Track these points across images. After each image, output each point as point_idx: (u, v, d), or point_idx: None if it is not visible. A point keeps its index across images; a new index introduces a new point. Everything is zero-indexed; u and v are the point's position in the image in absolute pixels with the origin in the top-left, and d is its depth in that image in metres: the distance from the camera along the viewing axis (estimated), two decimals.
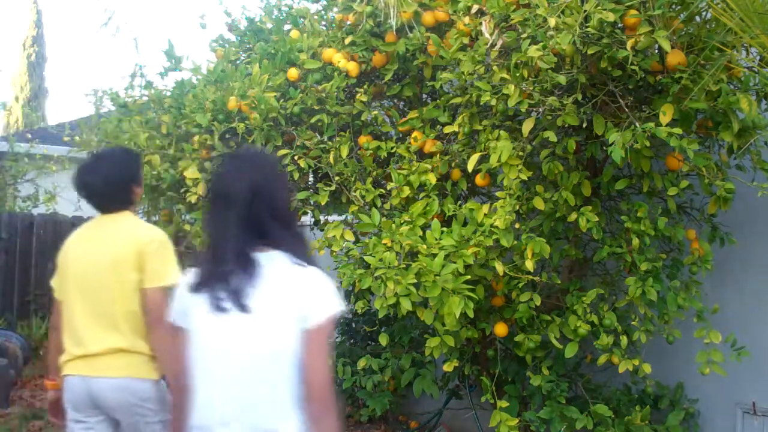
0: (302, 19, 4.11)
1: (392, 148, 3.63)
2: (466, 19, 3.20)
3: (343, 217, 4.04)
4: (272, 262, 1.78)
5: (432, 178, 3.44)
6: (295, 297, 1.74)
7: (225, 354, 1.75)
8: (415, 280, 3.04)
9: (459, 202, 3.54)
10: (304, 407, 1.72)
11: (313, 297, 1.76)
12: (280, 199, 1.85)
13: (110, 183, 2.57)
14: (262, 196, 1.80)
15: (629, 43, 2.69)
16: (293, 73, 3.74)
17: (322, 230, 3.86)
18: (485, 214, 3.20)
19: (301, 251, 1.82)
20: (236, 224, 1.77)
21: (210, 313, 1.76)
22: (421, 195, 3.45)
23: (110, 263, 2.51)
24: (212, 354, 1.77)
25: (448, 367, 3.45)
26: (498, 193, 3.24)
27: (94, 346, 2.50)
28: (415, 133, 3.64)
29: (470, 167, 3.25)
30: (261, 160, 1.92)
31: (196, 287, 1.79)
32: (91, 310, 2.52)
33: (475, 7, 3.17)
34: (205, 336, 1.78)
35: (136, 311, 2.50)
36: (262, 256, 1.78)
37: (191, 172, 3.80)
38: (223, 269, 1.75)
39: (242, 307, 1.72)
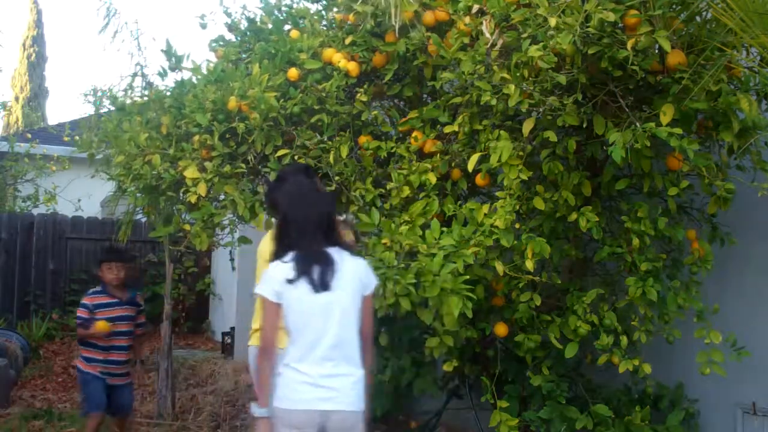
0: (302, 19, 4.11)
1: (392, 147, 3.63)
2: (467, 19, 3.20)
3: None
4: (339, 255, 2.73)
5: (432, 178, 3.44)
6: (358, 276, 2.75)
7: (327, 312, 2.67)
8: (415, 280, 3.04)
9: (459, 201, 3.54)
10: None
11: (367, 276, 2.80)
12: (334, 213, 2.86)
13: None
14: (331, 212, 2.82)
15: (629, 43, 2.69)
16: (293, 73, 3.74)
17: None
18: (485, 214, 3.20)
19: (347, 248, 2.81)
20: (317, 232, 2.72)
21: (310, 291, 2.67)
22: (421, 195, 3.45)
23: None
24: (317, 314, 2.66)
25: (447, 367, 3.46)
26: (498, 193, 3.24)
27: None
28: (415, 133, 3.64)
29: (470, 167, 3.25)
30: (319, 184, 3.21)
31: (293, 278, 2.67)
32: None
33: (476, 7, 3.17)
34: (309, 305, 2.67)
35: None
36: (332, 251, 2.72)
37: (191, 172, 3.80)
38: (312, 263, 2.69)
39: (327, 287, 2.67)
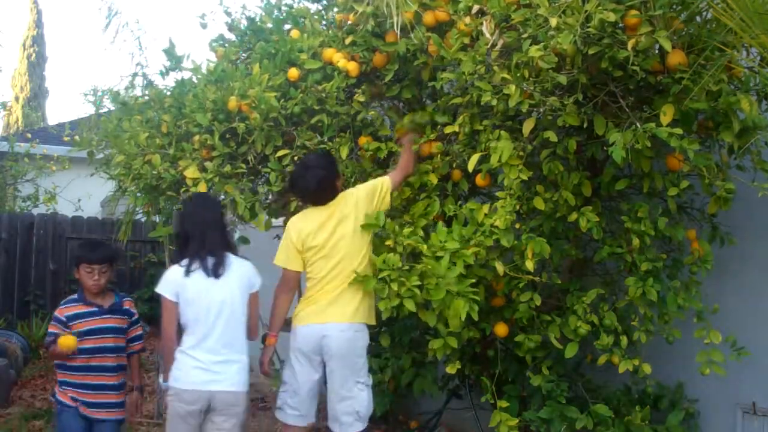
0: (302, 19, 4.11)
1: (392, 147, 3.63)
2: (467, 19, 3.20)
3: None
4: (229, 257, 3.35)
5: (433, 179, 3.44)
6: (247, 276, 3.36)
7: (219, 308, 3.26)
8: (419, 282, 3.04)
9: (459, 202, 3.54)
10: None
11: (254, 276, 3.40)
12: (224, 218, 3.54)
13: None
14: (227, 224, 3.55)
15: (630, 44, 2.69)
16: (293, 73, 3.74)
17: None
18: (486, 214, 3.21)
19: (236, 253, 3.46)
20: (217, 237, 3.35)
21: (204, 278, 3.26)
22: (422, 195, 3.45)
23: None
24: (210, 309, 3.25)
25: (450, 369, 3.45)
26: (498, 193, 3.24)
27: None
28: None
29: (471, 167, 3.25)
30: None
31: (192, 269, 3.28)
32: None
33: (476, 7, 3.17)
34: (204, 300, 3.25)
35: None
36: (224, 252, 3.35)
37: (191, 172, 3.80)
38: (207, 256, 3.30)
39: (218, 275, 3.27)
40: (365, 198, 3.46)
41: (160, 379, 3.57)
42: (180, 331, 3.32)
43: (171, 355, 3.29)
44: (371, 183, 3.53)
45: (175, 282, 3.27)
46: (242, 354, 3.31)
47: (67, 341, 3.42)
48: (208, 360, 3.22)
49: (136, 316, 3.78)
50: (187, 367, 3.23)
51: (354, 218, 3.40)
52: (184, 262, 3.28)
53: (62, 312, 3.61)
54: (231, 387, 3.24)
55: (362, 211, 3.41)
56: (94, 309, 3.59)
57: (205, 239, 3.30)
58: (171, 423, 3.27)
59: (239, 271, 3.33)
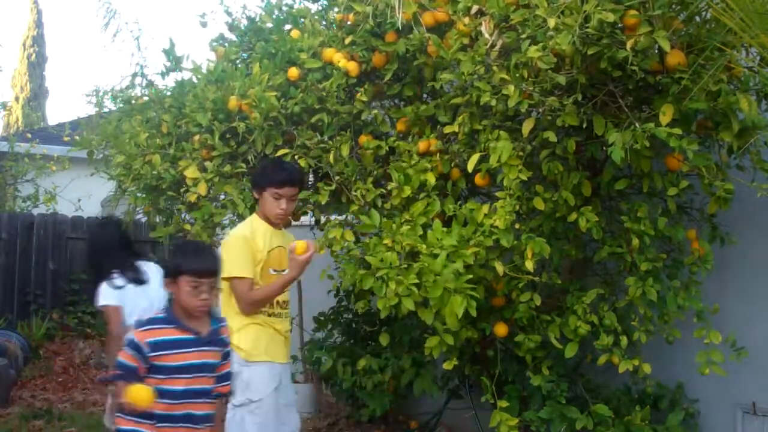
0: (302, 19, 4.11)
1: (393, 141, 3.63)
2: (466, 20, 3.20)
3: (344, 216, 4.04)
4: (147, 264, 3.75)
5: (432, 178, 3.44)
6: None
7: (149, 306, 3.44)
8: (417, 280, 3.04)
9: (459, 202, 3.54)
10: None
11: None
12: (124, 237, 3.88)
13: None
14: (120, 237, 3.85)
15: (629, 44, 2.69)
16: (294, 72, 3.74)
17: (322, 230, 3.86)
18: (485, 214, 3.20)
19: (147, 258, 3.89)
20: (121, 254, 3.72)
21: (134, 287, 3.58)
22: (422, 195, 3.45)
23: None
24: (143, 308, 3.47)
25: (448, 366, 3.45)
26: (498, 193, 3.24)
27: None
28: (414, 129, 3.65)
29: (470, 167, 3.25)
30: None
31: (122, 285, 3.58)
32: None
33: (475, 8, 3.17)
34: (136, 302, 3.57)
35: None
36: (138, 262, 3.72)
37: (191, 172, 3.81)
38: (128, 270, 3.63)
39: (143, 282, 3.64)
40: None
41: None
42: None
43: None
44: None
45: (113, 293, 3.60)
46: None
47: (141, 395, 2.44)
48: None
49: (228, 347, 2.80)
50: None
51: None
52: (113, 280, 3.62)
53: (144, 336, 2.55)
54: None
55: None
56: (190, 337, 2.60)
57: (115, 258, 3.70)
58: None
59: (157, 273, 3.58)
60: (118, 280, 3.62)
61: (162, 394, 2.51)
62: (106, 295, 3.61)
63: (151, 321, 2.61)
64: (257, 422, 3.23)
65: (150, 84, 4.43)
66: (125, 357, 2.54)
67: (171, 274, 2.62)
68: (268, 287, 3.33)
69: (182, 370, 2.56)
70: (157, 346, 2.53)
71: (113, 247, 3.76)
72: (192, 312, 2.60)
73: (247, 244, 3.30)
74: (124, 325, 3.51)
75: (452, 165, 3.55)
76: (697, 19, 2.98)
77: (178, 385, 2.56)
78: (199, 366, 2.62)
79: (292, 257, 3.26)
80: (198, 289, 2.56)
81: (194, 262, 2.61)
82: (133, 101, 4.35)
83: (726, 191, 2.99)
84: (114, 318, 3.57)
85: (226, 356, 2.77)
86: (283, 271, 3.37)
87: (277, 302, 3.39)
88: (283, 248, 3.40)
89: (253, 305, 3.30)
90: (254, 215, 3.47)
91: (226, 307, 3.30)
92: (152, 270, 3.72)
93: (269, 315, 3.36)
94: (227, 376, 2.78)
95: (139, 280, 3.65)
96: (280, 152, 3.71)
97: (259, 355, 3.28)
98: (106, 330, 3.73)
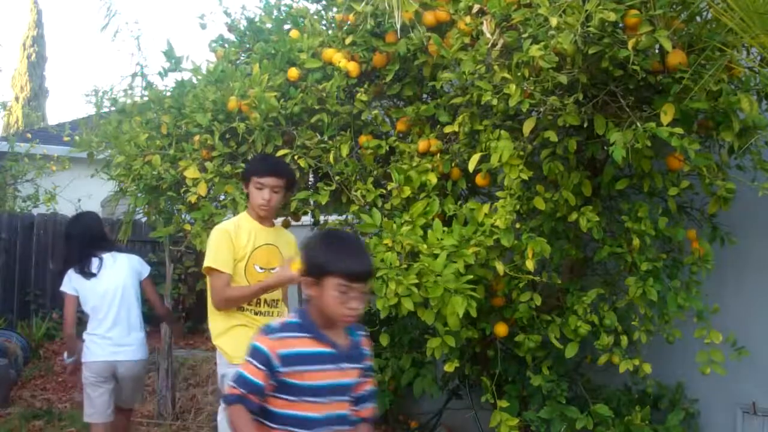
0: (302, 19, 4.10)
1: (393, 141, 3.63)
2: (467, 19, 3.20)
3: (344, 216, 4.04)
4: (113, 255, 4.26)
5: (432, 178, 3.44)
6: (131, 266, 4.27)
7: (112, 295, 4.15)
8: (417, 281, 3.04)
9: (459, 201, 3.54)
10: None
11: (141, 265, 4.34)
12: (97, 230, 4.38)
13: None
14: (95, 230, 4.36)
15: (630, 43, 2.68)
16: (293, 72, 3.73)
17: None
18: (486, 214, 3.20)
19: (120, 249, 4.37)
20: (90, 246, 4.25)
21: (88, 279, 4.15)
22: (422, 195, 3.44)
23: None
24: (104, 296, 4.15)
25: (449, 368, 3.45)
26: (498, 193, 3.24)
27: None
28: (414, 129, 3.64)
29: (471, 167, 3.24)
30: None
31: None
32: None
33: (476, 7, 3.17)
34: (95, 291, 4.15)
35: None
36: (104, 254, 4.23)
37: (191, 172, 3.80)
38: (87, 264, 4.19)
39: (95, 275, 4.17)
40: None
41: (65, 356, 4.42)
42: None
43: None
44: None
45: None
46: (139, 330, 4.20)
47: None
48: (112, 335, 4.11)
49: (370, 363, 2.27)
50: (93, 345, 4.12)
51: None
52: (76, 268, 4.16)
53: (275, 346, 2.03)
54: (133, 357, 4.14)
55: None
56: (329, 351, 2.08)
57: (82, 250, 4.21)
58: None
59: (126, 263, 4.25)
60: (76, 271, 4.15)
61: (287, 421, 2.05)
62: (65, 282, 4.20)
63: (285, 327, 2.07)
64: None
65: (150, 85, 4.43)
66: (250, 371, 2.02)
67: (314, 274, 2.04)
68: (246, 288, 3.30)
69: (318, 391, 2.06)
70: (291, 359, 2.02)
71: (80, 239, 4.23)
72: (336, 322, 2.07)
73: (228, 239, 3.29)
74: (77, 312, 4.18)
75: (453, 165, 3.54)
76: (698, 19, 2.98)
77: (312, 411, 2.06)
78: (338, 387, 2.11)
79: (282, 267, 3.28)
80: (347, 294, 2.01)
81: (347, 261, 2.03)
82: (129, 101, 4.35)
83: (727, 191, 2.99)
84: (67, 304, 4.20)
85: (366, 373, 2.22)
86: (272, 269, 3.36)
87: (264, 300, 3.37)
88: (273, 246, 3.40)
89: (226, 302, 3.29)
90: (244, 212, 3.47)
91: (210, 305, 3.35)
92: (120, 261, 4.22)
93: (255, 313, 3.34)
94: (368, 397, 2.23)
95: (86, 273, 4.13)
96: (280, 152, 3.71)
97: (242, 356, 3.19)
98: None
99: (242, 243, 3.31)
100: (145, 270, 4.34)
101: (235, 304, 3.32)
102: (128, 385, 4.19)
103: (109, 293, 4.12)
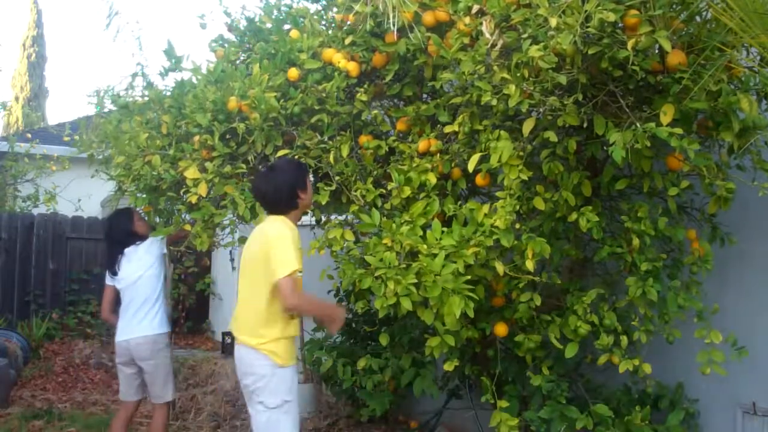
0: (302, 19, 4.10)
1: (394, 141, 3.63)
2: (467, 19, 3.20)
3: (344, 216, 4.04)
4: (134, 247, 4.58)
5: (432, 178, 3.44)
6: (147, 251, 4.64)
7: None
8: (416, 280, 3.04)
9: (459, 201, 3.54)
10: None
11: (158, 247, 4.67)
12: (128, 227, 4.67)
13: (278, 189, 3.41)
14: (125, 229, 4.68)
15: (630, 43, 2.68)
16: (293, 73, 3.73)
17: (322, 230, 3.86)
18: (485, 214, 3.20)
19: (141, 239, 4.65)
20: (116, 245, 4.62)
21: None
22: (422, 195, 3.45)
23: (254, 259, 3.37)
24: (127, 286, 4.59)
25: (448, 367, 3.45)
26: (498, 193, 3.24)
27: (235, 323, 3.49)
28: (414, 129, 3.64)
29: (471, 167, 3.25)
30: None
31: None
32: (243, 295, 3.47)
33: (476, 7, 3.17)
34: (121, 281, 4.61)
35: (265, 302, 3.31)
36: (128, 249, 4.59)
37: (191, 173, 3.80)
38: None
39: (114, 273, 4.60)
40: (266, 255, 3.28)
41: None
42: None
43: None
44: (273, 254, 3.25)
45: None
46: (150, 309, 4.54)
47: None
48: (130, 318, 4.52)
49: None
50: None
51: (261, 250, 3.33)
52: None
53: None
54: (140, 333, 4.44)
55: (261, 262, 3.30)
56: None
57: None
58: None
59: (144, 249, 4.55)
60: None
61: None
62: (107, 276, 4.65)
63: None
64: (291, 420, 3.34)
65: (150, 84, 4.43)
66: None
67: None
68: (315, 299, 3.63)
69: None
70: None
71: (107, 243, 4.67)
72: None
73: (297, 239, 3.35)
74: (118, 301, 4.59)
75: (452, 165, 3.54)
76: (698, 19, 2.98)
77: None
78: None
79: (341, 308, 3.70)
80: None
81: None
82: (130, 99, 4.34)
83: (727, 191, 2.99)
84: (105, 294, 4.66)
85: None
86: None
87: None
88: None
89: (300, 303, 3.30)
90: (283, 216, 3.41)
91: (267, 311, 3.29)
92: (139, 252, 4.54)
93: (292, 318, 3.41)
94: None
95: (113, 272, 4.57)
96: (280, 153, 3.71)
97: (291, 360, 3.38)
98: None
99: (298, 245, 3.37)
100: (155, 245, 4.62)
101: (305, 307, 3.46)
102: (148, 371, 4.47)
103: (126, 281, 4.52)
